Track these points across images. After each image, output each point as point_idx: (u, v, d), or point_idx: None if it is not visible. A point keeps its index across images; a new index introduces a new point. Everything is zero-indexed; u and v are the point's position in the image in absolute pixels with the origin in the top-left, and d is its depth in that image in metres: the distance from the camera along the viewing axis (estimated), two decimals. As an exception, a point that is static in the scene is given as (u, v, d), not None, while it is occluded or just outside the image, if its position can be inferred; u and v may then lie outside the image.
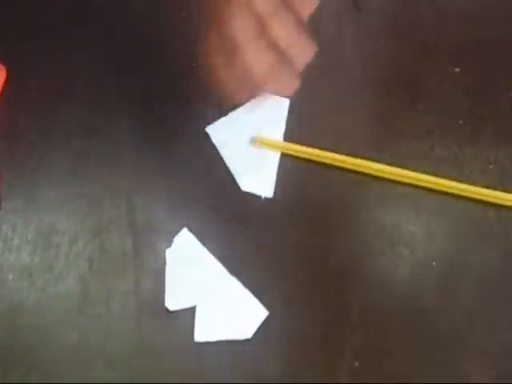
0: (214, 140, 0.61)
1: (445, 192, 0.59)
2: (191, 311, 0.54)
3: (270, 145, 0.61)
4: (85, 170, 0.59)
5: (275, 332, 0.54)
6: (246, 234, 0.57)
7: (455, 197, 0.59)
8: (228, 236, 0.57)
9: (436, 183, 0.59)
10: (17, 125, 0.61)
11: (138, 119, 0.61)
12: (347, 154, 0.60)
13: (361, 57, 0.66)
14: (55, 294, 0.54)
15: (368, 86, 0.65)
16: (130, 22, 0.67)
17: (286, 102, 0.62)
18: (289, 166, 0.60)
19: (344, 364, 0.53)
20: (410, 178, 0.59)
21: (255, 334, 0.54)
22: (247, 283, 0.55)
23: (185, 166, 0.60)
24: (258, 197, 0.59)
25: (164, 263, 0.56)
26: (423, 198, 0.59)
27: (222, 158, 0.60)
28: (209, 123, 0.61)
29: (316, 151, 0.60)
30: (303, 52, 0.53)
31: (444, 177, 0.59)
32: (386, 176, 0.60)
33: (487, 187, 0.59)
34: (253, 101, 0.62)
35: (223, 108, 0.60)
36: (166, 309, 0.54)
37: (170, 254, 0.56)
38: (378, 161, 0.60)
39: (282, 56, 0.51)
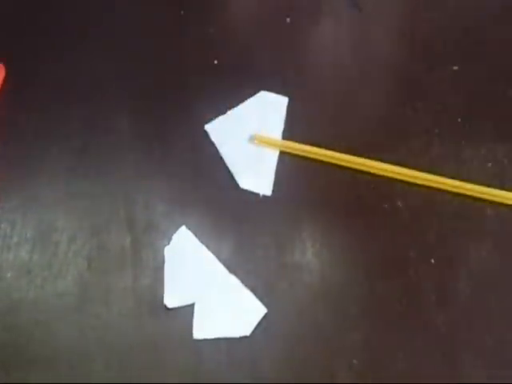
0: (213, 138, 0.61)
1: (443, 190, 0.59)
2: (190, 308, 0.54)
3: (268, 143, 0.61)
4: (84, 168, 0.59)
5: (273, 329, 0.54)
6: (245, 232, 0.57)
7: (454, 194, 0.59)
8: (226, 234, 0.57)
9: (434, 181, 0.59)
10: (16, 123, 0.61)
11: (136, 118, 0.62)
12: (346, 153, 0.60)
13: (359, 56, 0.66)
14: (54, 292, 0.54)
15: (366, 85, 0.65)
16: (128, 23, 0.67)
17: (285, 101, 0.63)
18: (287, 164, 0.60)
19: (342, 362, 0.53)
20: (408, 176, 0.59)
21: (253, 332, 0.53)
22: (245, 281, 0.55)
23: (184, 164, 0.60)
24: (257, 194, 0.59)
25: (163, 261, 0.56)
26: (421, 195, 0.59)
27: (220, 156, 0.60)
28: (208, 121, 0.61)
29: (314, 149, 0.60)
30: None
31: (442, 175, 0.59)
32: (385, 174, 0.60)
33: (485, 185, 0.59)
34: (252, 99, 0.63)
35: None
36: (165, 306, 0.54)
37: (169, 252, 0.56)
38: (377, 159, 0.60)
39: None
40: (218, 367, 0.52)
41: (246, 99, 0.63)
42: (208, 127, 0.61)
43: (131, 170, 0.59)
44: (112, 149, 0.60)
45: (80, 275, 0.55)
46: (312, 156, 0.60)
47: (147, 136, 0.61)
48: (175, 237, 0.57)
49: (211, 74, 0.64)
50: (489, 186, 0.59)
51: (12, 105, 0.61)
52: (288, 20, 0.68)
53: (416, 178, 0.59)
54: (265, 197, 0.59)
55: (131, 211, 0.58)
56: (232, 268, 0.56)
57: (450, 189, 0.59)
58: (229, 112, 0.62)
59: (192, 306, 0.54)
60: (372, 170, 0.60)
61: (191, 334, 0.53)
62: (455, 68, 0.66)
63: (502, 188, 0.59)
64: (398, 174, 0.60)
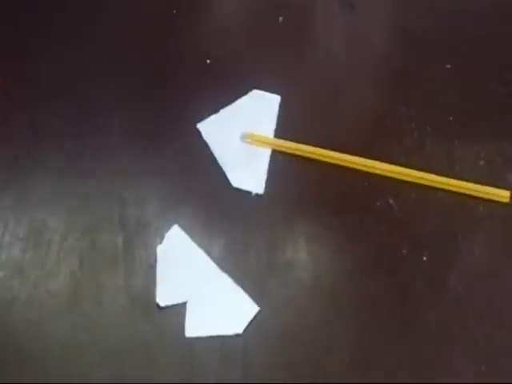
0: (205, 137, 0.61)
1: (435, 187, 0.59)
2: (182, 307, 0.54)
3: (260, 141, 0.61)
4: (76, 167, 0.59)
5: (266, 327, 0.54)
6: (237, 231, 0.57)
7: (446, 192, 0.59)
8: (219, 232, 0.57)
9: (427, 179, 0.59)
10: (8, 123, 0.61)
11: (128, 117, 0.62)
12: (338, 151, 0.60)
13: (352, 54, 0.66)
14: (46, 291, 0.54)
15: (359, 83, 0.65)
16: (119, 22, 0.67)
17: (277, 99, 0.63)
18: (280, 163, 0.60)
19: (334, 360, 0.53)
20: (401, 173, 0.59)
21: (246, 330, 0.54)
22: (238, 279, 0.55)
23: (176, 162, 0.60)
24: (249, 193, 0.59)
25: (155, 259, 0.56)
26: (413, 193, 0.59)
27: (213, 155, 0.60)
28: (200, 120, 0.61)
29: (307, 147, 0.60)
30: None
31: (435, 172, 0.59)
32: (377, 172, 0.60)
33: (478, 183, 0.59)
34: (244, 98, 0.63)
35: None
36: (157, 305, 0.54)
37: (161, 251, 0.56)
38: (369, 157, 0.60)
39: None
40: (211, 365, 0.52)
41: (239, 98, 0.63)
42: (200, 126, 0.61)
43: (123, 169, 0.59)
44: (104, 148, 0.60)
45: (72, 274, 0.55)
46: (304, 154, 0.60)
47: (139, 135, 0.61)
48: (167, 236, 0.57)
49: (204, 73, 0.64)
50: (481, 183, 0.59)
51: (2, 105, 0.61)
52: (281, 19, 0.68)
53: (408, 175, 0.59)
54: (257, 195, 0.59)
55: (123, 210, 0.58)
56: (224, 266, 0.56)
57: (442, 186, 0.59)
58: (221, 111, 0.62)
59: (184, 304, 0.54)
60: (364, 168, 0.60)
61: (183, 332, 0.53)
62: (448, 66, 0.66)
63: (494, 186, 0.59)
64: (391, 171, 0.60)
